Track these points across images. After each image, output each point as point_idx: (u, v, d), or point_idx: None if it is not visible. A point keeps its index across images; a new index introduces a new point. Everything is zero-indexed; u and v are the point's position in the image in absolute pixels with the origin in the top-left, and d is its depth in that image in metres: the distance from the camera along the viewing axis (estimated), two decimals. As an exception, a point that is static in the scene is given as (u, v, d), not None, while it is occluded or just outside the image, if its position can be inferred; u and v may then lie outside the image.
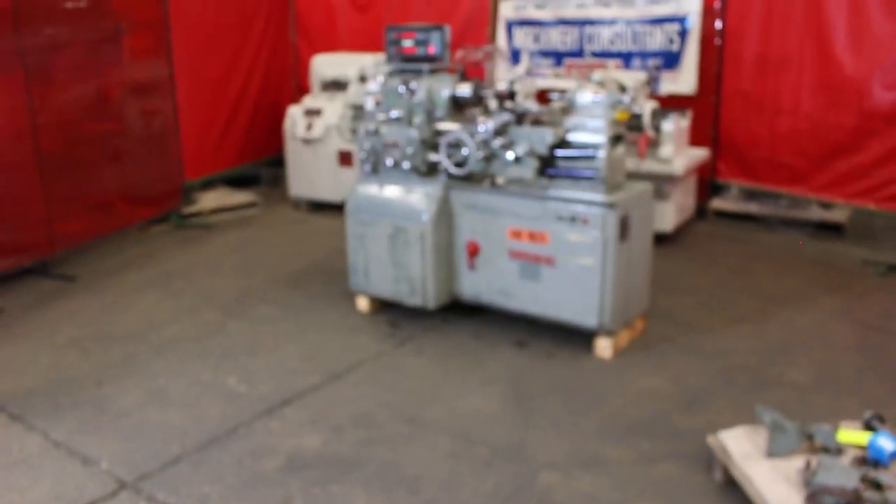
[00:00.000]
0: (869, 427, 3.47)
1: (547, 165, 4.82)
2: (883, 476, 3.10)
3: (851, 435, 3.40)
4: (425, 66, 5.22)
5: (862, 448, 3.34)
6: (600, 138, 4.64)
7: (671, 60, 7.66)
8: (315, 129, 8.30)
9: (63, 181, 6.57)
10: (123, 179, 7.30)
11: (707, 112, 7.79)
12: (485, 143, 4.90)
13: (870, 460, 3.25)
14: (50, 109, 6.40)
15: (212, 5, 8.70)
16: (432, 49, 5.20)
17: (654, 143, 6.71)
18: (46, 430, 4.11)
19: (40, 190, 6.35)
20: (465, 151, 4.94)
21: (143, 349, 5.11)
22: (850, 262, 6.67)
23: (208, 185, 9.00)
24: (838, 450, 3.34)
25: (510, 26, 8.70)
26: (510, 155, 4.79)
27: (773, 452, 3.38)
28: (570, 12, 8.25)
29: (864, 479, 3.09)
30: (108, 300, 5.99)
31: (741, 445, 3.49)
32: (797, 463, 3.30)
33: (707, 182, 8.04)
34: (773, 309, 5.65)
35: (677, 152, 6.83)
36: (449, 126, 5.12)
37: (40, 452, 3.92)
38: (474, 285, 5.24)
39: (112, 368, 4.83)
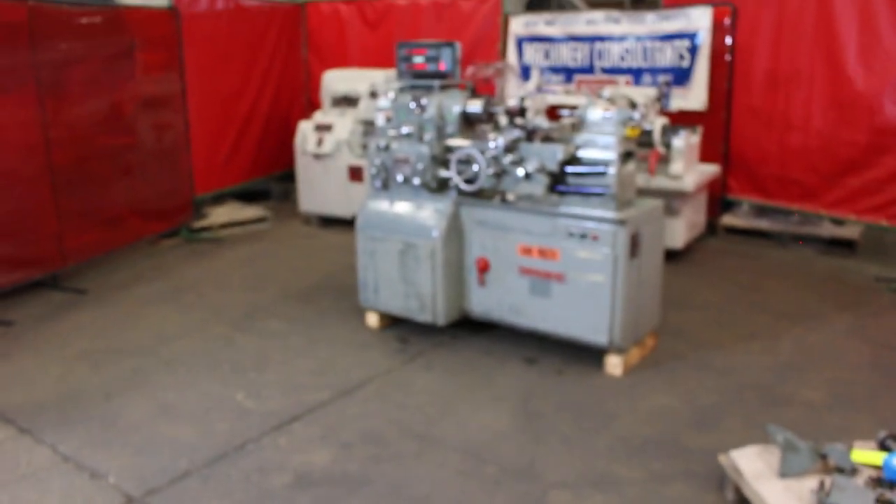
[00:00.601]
0: (884, 447, 3.44)
1: (557, 182, 4.82)
2: (898, 497, 3.07)
3: (866, 455, 3.37)
4: (436, 83, 5.23)
5: (877, 468, 3.31)
6: (610, 155, 4.64)
7: (681, 76, 7.66)
8: (326, 144, 8.33)
9: (75, 195, 6.60)
10: (134, 193, 7.33)
11: (717, 128, 7.79)
12: (495, 160, 4.90)
13: (885, 481, 3.22)
14: (62, 124, 6.44)
15: (224, 21, 8.76)
16: (443, 65, 5.21)
17: (664, 160, 6.70)
18: (55, 443, 4.11)
19: (52, 204, 6.38)
20: (475, 168, 4.94)
21: (152, 363, 5.11)
22: (862, 278, 6.63)
23: (219, 199, 9.03)
24: (852, 470, 3.30)
25: (520, 42, 8.73)
26: (520, 171, 4.78)
27: (785, 472, 3.35)
28: (581, 29, 8.28)
29: (880, 500, 3.06)
30: (118, 314, 6.00)
31: (753, 465, 3.46)
32: (810, 483, 3.26)
33: (718, 198, 8.02)
34: (784, 326, 5.62)
35: (688, 168, 6.82)
36: (459, 142, 5.13)
37: (49, 466, 3.92)
38: (484, 302, 5.22)
39: (121, 382, 4.83)
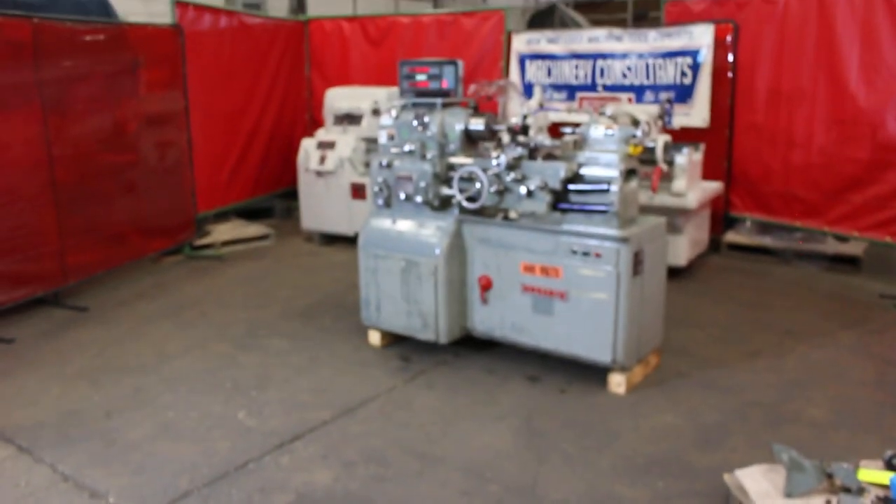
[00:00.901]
0: (890, 466, 3.40)
1: (560, 199, 4.81)
2: (905, 518, 3.03)
3: (873, 474, 3.33)
4: (438, 100, 5.23)
5: (884, 488, 3.27)
6: (613, 172, 4.63)
7: (684, 94, 7.67)
8: (328, 161, 8.33)
9: (77, 212, 6.61)
10: (137, 211, 7.34)
11: (720, 145, 7.79)
12: (497, 178, 4.90)
13: (892, 501, 3.18)
14: (66, 141, 6.45)
15: (227, 39, 8.79)
16: (445, 83, 5.21)
17: (667, 177, 6.69)
18: (54, 462, 4.08)
19: (55, 221, 6.39)
20: (477, 185, 4.94)
21: (153, 381, 5.08)
22: (866, 295, 6.61)
23: (222, 216, 9.03)
24: (859, 489, 3.26)
25: (523, 60, 8.75)
26: (523, 189, 4.78)
27: (791, 492, 3.31)
28: (583, 46, 8.29)
29: (886, 521, 3.02)
30: (119, 331, 5.98)
31: (758, 484, 3.42)
32: (817, 502, 3.23)
33: (721, 215, 8.01)
34: (788, 343, 5.59)
35: (690, 185, 6.81)
36: (462, 160, 5.12)
37: (48, 486, 3.89)
38: (487, 320, 5.20)
39: (122, 400, 4.81)
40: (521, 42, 8.77)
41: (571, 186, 4.75)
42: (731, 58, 7.69)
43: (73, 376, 5.18)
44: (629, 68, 8.01)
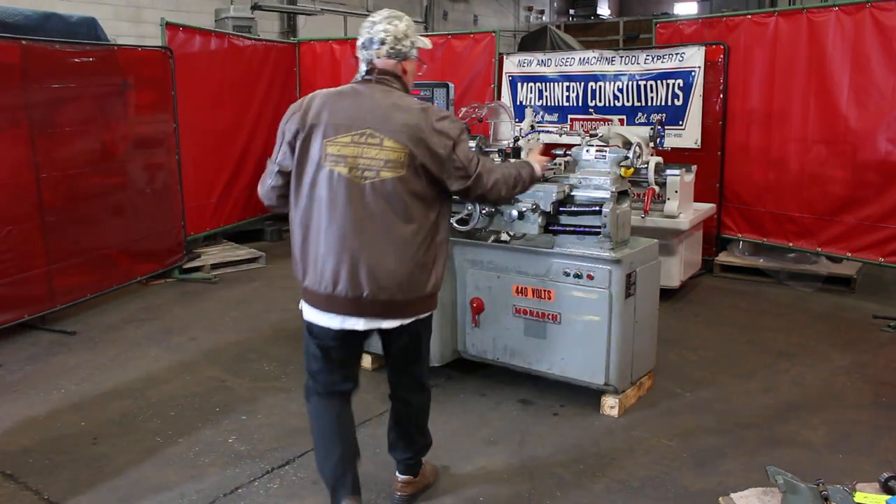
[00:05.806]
0: (887, 489, 3.37)
1: (552, 222, 4.78)
2: (904, 542, 2.99)
3: (869, 497, 3.29)
4: (429, 122, 5.20)
5: (881, 512, 3.24)
6: (605, 194, 4.61)
7: (675, 115, 7.69)
8: (319, 183, 8.29)
9: (65, 235, 6.55)
10: (126, 234, 7.29)
11: (712, 166, 7.80)
12: (489, 199, 4.86)
13: (889, 525, 3.15)
14: (54, 164, 6.41)
15: (218, 61, 8.78)
16: (437, 105, 5.19)
17: (659, 198, 6.68)
18: (40, 489, 4.01)
19: (42, 244, 6.33)
20: (469, 207, 4.91)
21: (141, 406, 5.01)
22: (860, 316, 6.60)
23: (211, 239, 8.98)
24: (856, 513, 3.23)
25: (514, 82, 8.77)
26: (514, 211, 4.74)
27: (787, 516, 3.27)
28: (574, 68, 8.32)
29: (884, 546, 2.98)
30: (107, 355, 5.91)
31: (754, 509, 3.38)
32: (813, 527, 3.19)
33: (714, 236, 8.01)
34: (782, 365, 5.56)
35: (683, 206, 6.80)
36: (453, 181, 5.09)
37: (32, 514, 3.82)
38: (479, 343, 5.15)
39: (109, 426, 4.74)
40: (513, 64, 8.79)
41: (563, 208, 4.73)
42: (722, 79, 7.71)
43: (59, 401, 5.10)
44: (620, 90, 8.03)
